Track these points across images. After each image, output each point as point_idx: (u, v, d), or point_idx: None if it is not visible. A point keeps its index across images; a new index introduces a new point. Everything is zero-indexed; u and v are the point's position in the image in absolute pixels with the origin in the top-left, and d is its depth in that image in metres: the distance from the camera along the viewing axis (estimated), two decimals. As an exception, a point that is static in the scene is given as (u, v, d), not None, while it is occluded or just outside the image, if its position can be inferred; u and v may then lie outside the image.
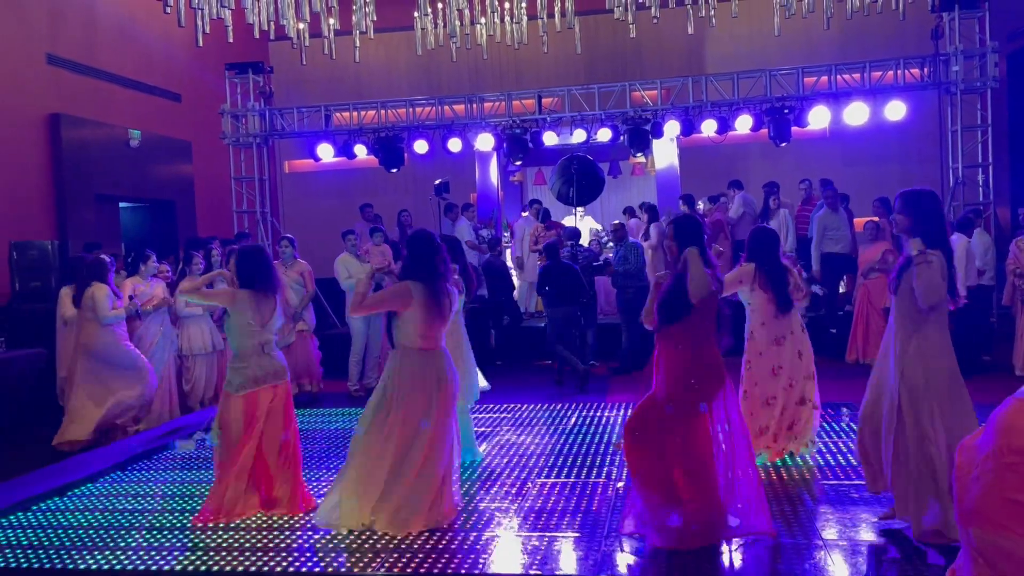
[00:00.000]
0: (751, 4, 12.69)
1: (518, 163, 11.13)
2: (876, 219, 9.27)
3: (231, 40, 10.30)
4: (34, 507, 5.10)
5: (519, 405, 7.56)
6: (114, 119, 11.11)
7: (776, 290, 5.25)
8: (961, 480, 1.41)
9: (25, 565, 4.18)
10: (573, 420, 6.88)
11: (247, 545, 4.30)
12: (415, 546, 4.15)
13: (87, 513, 4.96)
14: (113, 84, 11.25)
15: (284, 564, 4.04)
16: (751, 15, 13.02)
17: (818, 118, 10.40)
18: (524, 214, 12.12)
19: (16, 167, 9.55)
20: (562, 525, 4.40)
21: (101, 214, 10.86)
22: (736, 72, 10.90)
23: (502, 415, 7.17)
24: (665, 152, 11.96)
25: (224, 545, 4.31)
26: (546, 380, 8.94)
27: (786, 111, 10.32)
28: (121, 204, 11.68)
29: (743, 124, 10.44)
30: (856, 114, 10.27)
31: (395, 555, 4.06)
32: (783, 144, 10.57)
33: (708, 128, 10.54)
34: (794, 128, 10.44)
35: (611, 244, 11.37)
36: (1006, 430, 1.11)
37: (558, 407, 7.43)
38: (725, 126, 10.53)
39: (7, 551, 4.37)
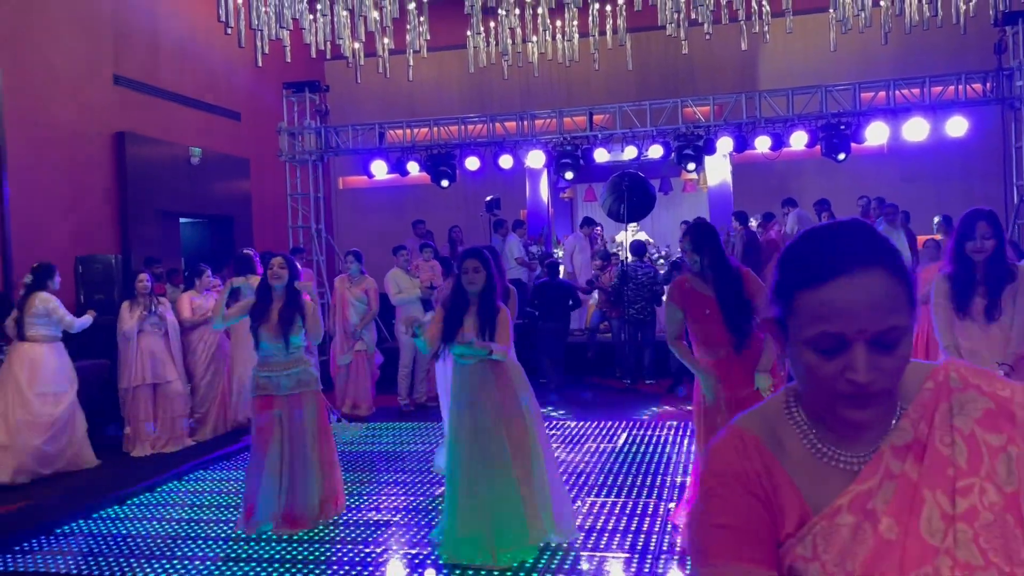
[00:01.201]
0: (806, 20, 12.54)
1: (568, 177, 11.13)
2: (937, 237, 9.02)
3: (289, 60, 10.57)
4: (94, 515, 5.23)
5: (568, 422, 7.53)
6: (176, 137, 11.44)
7: None
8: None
9: (86, 572, 4.29)
10: (623, 439, 6.82)
11: (309, 557, 4.35)
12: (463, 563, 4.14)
13: (145, 522, 5.08)
14: (176, 103, 11.60)
15: (335, 577, 4.08)
16: (806, 31, 12.87)
17: (876, 134, 10.20)
18: (581, 230, 12.10)
19: (83, 184, 9.89)
20: (612, 545, 4.36)
21: (162, 229, 11.17)
22: (791, 88, 10.76)
23: (551, 432, 7.14)
24: (718, 168, 11.85)
25: (277, 557, 4.37)
26: (592, 396, 8.90)
27: (843, 127, 10.15)
28: (181, 219, 11.99)
29: (798, 140, 10.29)
30: (916, 130, 10.05)
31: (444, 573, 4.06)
32: (839, 160, 10.39)
33: (762, 144, 10.41)
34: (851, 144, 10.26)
35: (661, 261, 11.31)
36: (710, 454, 1.09)
37: (607, 425, 7.38)
38: (779, 142, 10.39)
39: (68, 558, 4.50)
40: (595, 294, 10.13)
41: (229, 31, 9.48)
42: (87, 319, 6.88)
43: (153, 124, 11.06)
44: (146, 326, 7.15)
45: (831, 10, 10.98)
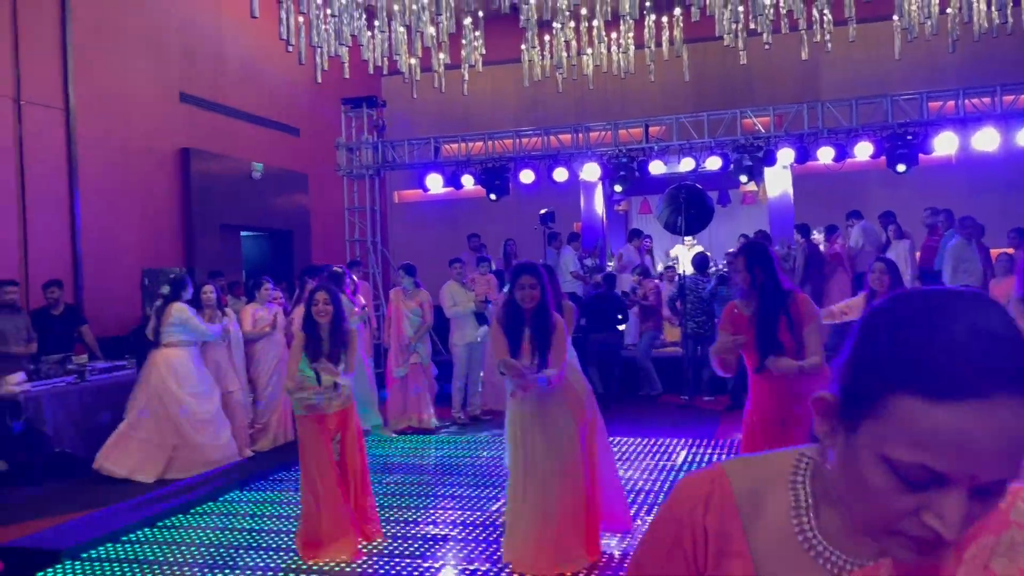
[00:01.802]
0: (869, 28, 12.26)
1: (618, 190, 11.04)
2: (1011, 251, 8.70)
3: (347, 76, 10.75)
4: (158, 523, 5.33)
5: (625, 439, 7.43)
6: (238, 153, 11.71)
7: None
8: None
9: (152, 579, 4.37)
10: (681, 457, 6.70)
11: (369, 570, 4.36)
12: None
13: (207, 531, 5.15)
14: (238, 120, 11.88)
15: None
16: (869, 39, 12.58)
17: (945, 144, 9.90)
18: (631, 244, 12.01)
19: (150, 198, 10.18)
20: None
21: (224, 242, 11.42)
22: (855, 98, 10.52)
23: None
24: (778, 180, 11.63)
25: (336, 569, 4.38)
26: (649, 412, 8.78)
27: (909, 137, 9.87)
28: (242, 233, 12.25)
29: (863, 151, 10.05)
30: (986, 140, 9.72)
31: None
32: (901, 172, 10.11)
33: (825, 155, 10.19)
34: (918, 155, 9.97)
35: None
36: (680, 483, 0.97)
37: (665, 442, 7.26)
38: (843, 153, 10.16)
39: (134, 566, 4.58)
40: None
41: (290, 49, 9.69)
42: (218, 328, 7.18)
43: (216, 140, 11.34)
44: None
45: (895, 17, 10.72)
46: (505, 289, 4.63)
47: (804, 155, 10.27)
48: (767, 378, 3.86)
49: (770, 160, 10.30)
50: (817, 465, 0.91)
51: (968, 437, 0.72)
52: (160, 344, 6.83)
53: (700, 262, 9.38)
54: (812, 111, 10.51)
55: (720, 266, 11.65)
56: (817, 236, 10.71)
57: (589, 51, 12.07)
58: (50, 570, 4.56)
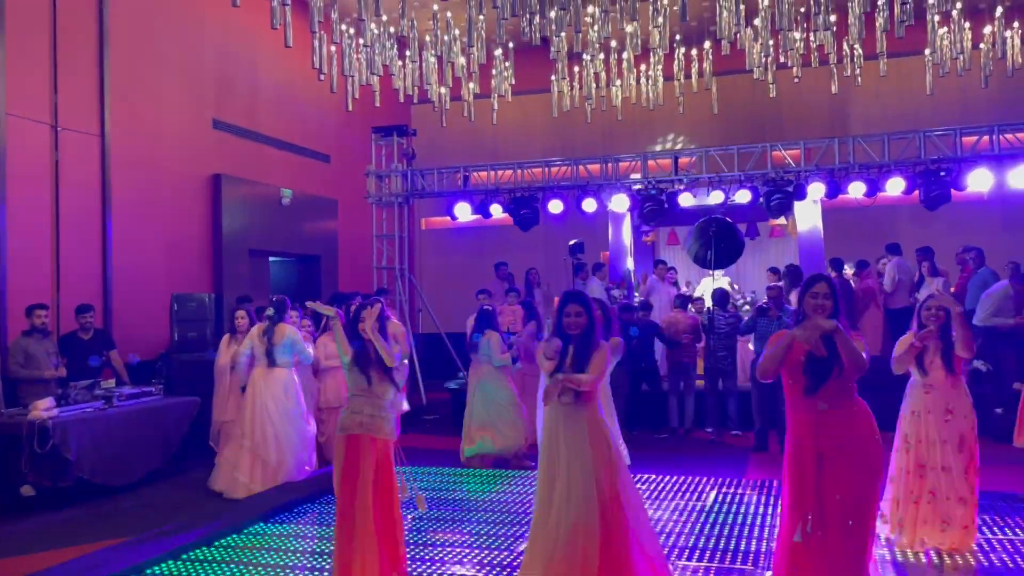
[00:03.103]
0: (900, 62, 12.21)
1: (647, 230, 11.03)
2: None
3: (378, 104, 10.85)
4: (182, 556, 5.29)
5: (651, 475, 7.31)
6: (268, 179, 11.82)
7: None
8: None
9: (176, 615, 4.32)
10: (712, 497, 6.57)
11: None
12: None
13: (232, 566, 5.10)
14: (270, 146, 12.00)
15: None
16: (900, 74, 12.53)
17: (979, 181, 9.76)
18: (655, 272, 11.93)
19: (181, 223, 10.28)
20: (708, 616, 4.15)
21: (253, 268, 11.49)
22: (887, 133, 10.43)
23: (637, 486, 6.92)
24: (808, 214, 11.52)
25: (362, 610, 4.31)
26: (674, 448, 8.65)
27: (942, 173, 9.75)
28: (271, 258, 12.33)
29: (894, 187, 9.95)
30: (1022, 177, 9.58)
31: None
32: (934, 209, 10.00)
33: (856, 190, 10.10)
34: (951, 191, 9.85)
35: (747, 307, 11.01)
36: None
37: (693, 480, 7.12)
38: (874, 188, 10.06)
39: (160, 599, 4.54)
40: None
41: (322, 78, 9.80)
42: (311, 352, 7.49)
43: (247, 166, 11.46)
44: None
45: (927, 52, 10.65)
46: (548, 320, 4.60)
47: (835, 190, 10.18)
48: (811, 407, 3.79)
49: (800, 194, 10.22)
50: None
51: None
52: (273, 365, 7.08)
53: (721, 297, 9.29)
54: (843, 146, 10.43)
55: (749, 298, 11.53)
56: (848, 271, 10.58)
57: (618, 82, 12.11)
58: (75, 602, 4.54)
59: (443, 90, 11.54)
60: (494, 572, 4.89)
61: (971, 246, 10.10)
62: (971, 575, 4.64)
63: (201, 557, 5.29)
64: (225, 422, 7.56)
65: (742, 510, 6.14)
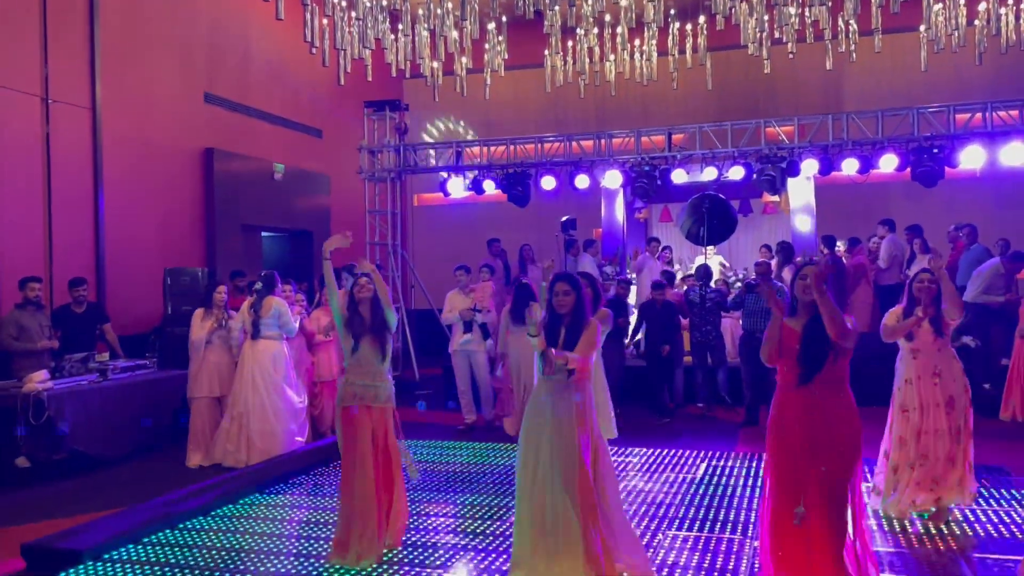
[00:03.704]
0: (895, 39, 12.18)
1: (640, 206, 11.03)
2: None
3: (370, 79, 10.77)
4: (179, 525, 5.34)
5: (644, 449, 7.38)
6: (261, 153, 11.76)
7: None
8: None
9: (173, 583, 4.37)
10: (702, 469, 6.64)
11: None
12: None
13: (228, 535, 5.15)
14: (261, 121, 11.94)
15: (415, 602, 4.05)
16: (895, 50, 12.50)
17: (971, 158, 9.81)
18: (648, 247, 11.96)
19: (173, 198, 10.24)
20: (697, 583, 4.23)
21: (246, 243, 11.47)
22: (880, 110, 10.44)
23: (628, 459, 7.02)
24: (800, 190, 11.55)
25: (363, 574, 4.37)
26: (668, 422, 8.73)
27: (936, 150, 9.78)
28: (263, 233, 12.30)
29: (888, 163, 9.98)
30: (1015, 154, 9.62)
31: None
32: (930, 187, 10.03)
33: (849, 167, 10.13)
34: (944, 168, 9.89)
35: (738, 284, 11.05)
36: None
37: (684, 453, 7.20)
38: (868, 165, 10.09)
39: (155, 568, 4.59)
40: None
41: (314, 51, 9.72)
42: (295, 327, 7.43)
43: (239, 141, 11.40)
44: (215, 338, 7.30)
45: (922, 28, 10.63)
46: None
47: (828, 166, 10.20)
48: (801, 395, 3.85)
49: (794, 171, 10.24)
50: None
51: None
52: (258, 336, 7.11)
53: (704, 272, 9.35)
54: (837, 122, 10.45)
55: (741, 275, 11.58)
56: (840, 248, 10.63)
57: (612, 57, 12.05)
58: (72, 570, 4.58)
59: (436, 64, 11.46)
60: (487, 541, 4.96)
61: (963, 223, 10.16)
62: (960, 545, 4.72)
63: (198, 526, 5.34)
64: (198, 398, 7.34)
65: (731, 482, 6.22)
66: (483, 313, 8.49)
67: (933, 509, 5.06)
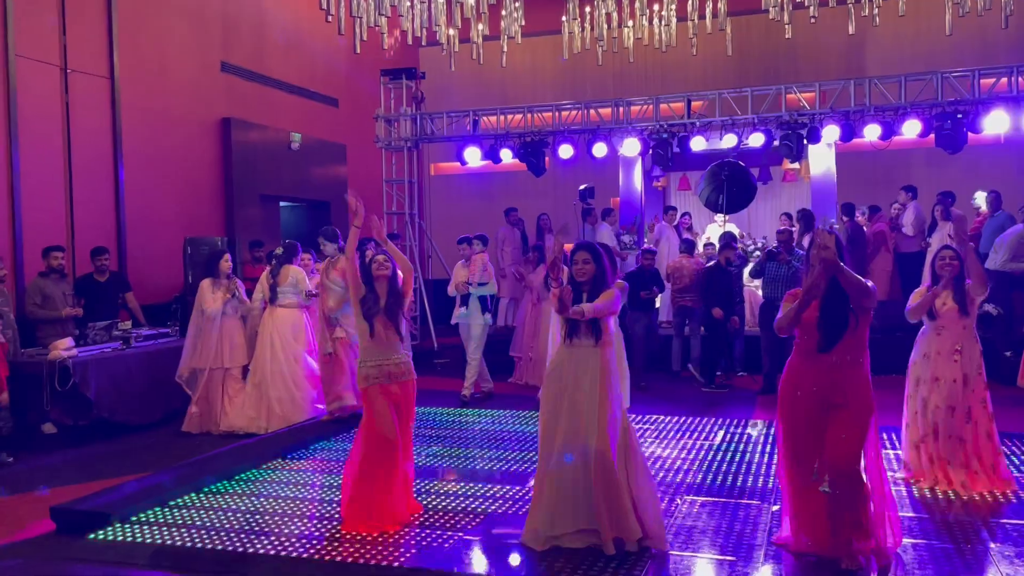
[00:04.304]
0: (919, 2, 11.93)
1: (658, 175, 10.93)
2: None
3: (386, 47, 10.70)
4: (204, 489, 5.44)
5: (662, 416, 7.41)
6: (278, 123, 11.76)
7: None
8: None
9: (199, 545, 4.45)
10: (719, 437, 6.67)
11: (412, 541, 4.41)
12: (563, 556, 4.12)
13: (251, 498, 5.24)
14: (278, 90, 11.91)
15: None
16: (919, 14, 12.25)
17: (995, 123, 9.63)
18: (666, 216, 11.90)
19: (192, 168, 10.28)
20: (716, 546, 4.26)
21: (263, 213, 11.51)
22: (903, 75, 10.25)
23: (646, 426, 7.04)
24: (821, 157, 11.40)
25: (380, 539, 4.44)
26: (683, 390, 8.74)
27: (959, 115, 9.62)
28: (281, 203, 12.33)
29: (910, 129, 9.82)
30: (1040, 119, 9.45)
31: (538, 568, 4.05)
32: (952, 153, 9.88)
33: (871, 133, 9.98)
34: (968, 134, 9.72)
35: (757, 252, 10.98)
36: None
37: (701, 421, 7.23)
38: (890, 131, 9.94)
39: (182, 530, 4.68)
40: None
41: (330, 19, 9.65)
42: (307, 296, 7.47)
43: (256, 110, 11.39)
44: (228, 308, 7.33)
45: (947, -9, 10.40)
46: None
47: (850, 133, 10.06)
48: (820, 361, 3.87)
49: (815, 137, 10.12)
50: None
51: None
52: (275, 303, 7.26)
53: (728, 241, 9.30)
54: (859, 88, 10.28)
55: (760, 244, 11.50)
56: (860, 218, 10.53)
57: (630, 23, 11.89)
58: (100, 532, 4.68)
59: (452, 32, 11.36)
60: (506, 505, 5.01)
61: (989, 190, 10.03)
62: (981, 511, 4.72)
63: (221, 490, 5.43)
64: (213, 369, 7.23)
65: (749, 448, 6.24)
66: (476, 286, 8.31)
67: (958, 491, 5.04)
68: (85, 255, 8.22)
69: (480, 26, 11.09)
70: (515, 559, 4.16)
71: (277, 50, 11.95)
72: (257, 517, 4.88)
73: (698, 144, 10.67)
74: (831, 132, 10.09)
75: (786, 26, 10.88)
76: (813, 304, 3.91)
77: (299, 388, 7.26)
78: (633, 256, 11.45)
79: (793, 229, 9.09)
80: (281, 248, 7.49)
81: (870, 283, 3.88)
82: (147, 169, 9.56)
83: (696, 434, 6.77)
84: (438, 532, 4.55)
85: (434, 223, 14.15)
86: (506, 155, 11.36)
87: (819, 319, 3.89)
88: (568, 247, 4.85)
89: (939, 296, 5.05)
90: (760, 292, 9.09)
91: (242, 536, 4.55)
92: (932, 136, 9.91)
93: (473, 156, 11.56)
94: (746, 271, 9.22)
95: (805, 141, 10.14)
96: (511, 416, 7.61)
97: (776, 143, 10.23)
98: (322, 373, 7.32)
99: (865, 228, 10.34)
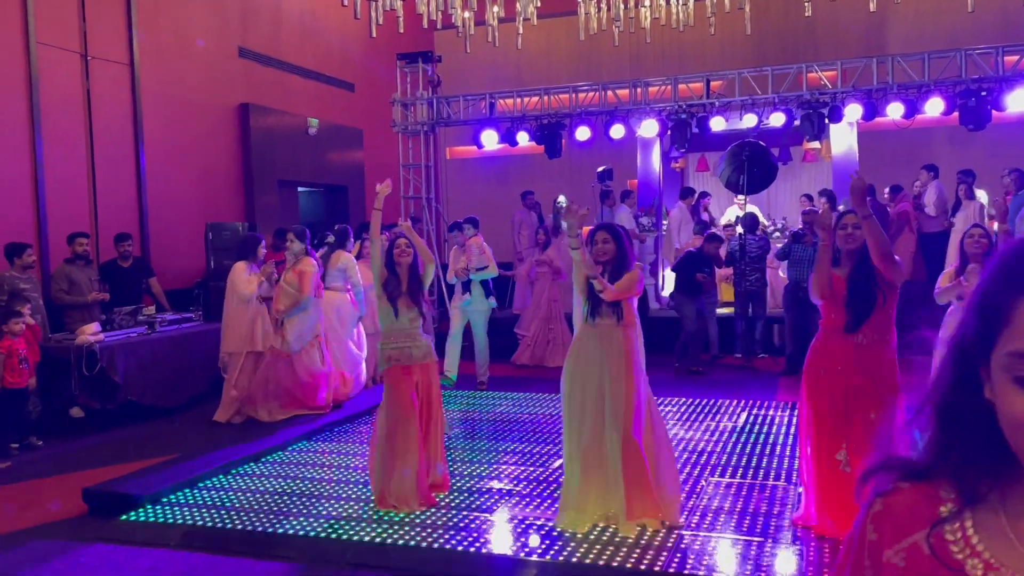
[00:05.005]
0: (942, -23, 11.76)
1: (676, 156, 10.85)
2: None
3: (401, 31, 10.66)
4: (232, 471, 5.50)
5: (684, 399, 7.41)
6: (295, 108, 11.77)
7: None
8: None
9: (228, 526, 4.52)
10: (743, 418, 6.66)
11: (438, 522, 4.45)
12: (590, 538, 4.14)
13: (279, 480, 5.30)
14: (295, 75, 11.91)
15: (469, 542, 4.15)
16: (941, -11, 12.07)
17: (1019, 101, 9.49)
18: (683, 202, 11.85)
19: (211, 153, 10.32)
20: (743, 527, 4.27)
21: (282, 198, 11.55)
22: (926, 52, 10.11)
23: (666, 408, 7.05)
24: (842, 137, 11.28)
25: (408, 520, 4.48)
26: (707, 372, 8.73)
27: (983, 93, 9.48)
28: (299, 188, 12.36)
29: (933, 107, 9.69)
30: (1065, 97, 9.30)
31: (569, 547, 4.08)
32: (973, 130, 9.75)
33: (894, 112, 9.85)
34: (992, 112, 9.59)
35: (777, 234, 10.92)
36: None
37: (725, 402, 7.22)
38: (913, 109, 9.81)
39: (212, 511, 4.75)
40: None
41: (346, 3, 9.63)
42: (360, 287, 7.59)
43: (273, 95, 11.40)
44: (260, 291, 7.34)
45: (971, -34, 10.23)
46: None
47: (872, 111, 9.95)
48: (848, 341, 3.86)
49: (837, 116, 10.01)
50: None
51: None
52: (326, 287, 7.36)
53: (751, 221, 9.24)
54: (881, 66, 10.15)
55: (781, 224, 11.43)
56: (886, 195, 10.44)
57: (647, 3, 11.78)
58: (132, 513, 4.75)
59: (467, 14, 11.30)
60: (530, 487, 5.04)
61: (1013, 168, 9.89)
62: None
63: (250, 471, 5.50)
64: (248, 353, 7.13)
65: (773, 430, 6.24)
66: (475, 270, 8.14)
67: None
68: (108, 241, 8.28)
69: (495, 8, 11.02)
70: (544, 541, 4.19)
71: (294, 35, 11.94)
72: (284, 498, 4.94)
73: (717, 124, 10.58)
74: (853, 111, 9.97)
75: (806, 4, 10.75)
76: (840, 283, 3.90)
77: (348, 368, 7.47)
78: (652, 238, 11.43)
79: (818, 208, 9.02)
80: (332, 235, 7.77)
81: (896, 257, 3.87)
82: (168, 155, 9.60)
83: (720, 415, 6.78)
84: (464, 513, 4.59)
85: (451, 207, 14.14)
86: (523, 138, 11.31)
87: (847, 297, 3.87)
88: (586, 229, 4.84)
89: (969, 282, 5.00)
90: (782, 274, 9.06)
91: (271, 517, 4.61)
92: (955, 114, 9.79)
93: (490, 139, 11.52)
94: (770, 254, 9.19)
95: (827, 120, 10.03)
96: (532, 399, 7.64)
97: (797, 122, 10.13)
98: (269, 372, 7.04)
99: (889, 209, 10.24)
